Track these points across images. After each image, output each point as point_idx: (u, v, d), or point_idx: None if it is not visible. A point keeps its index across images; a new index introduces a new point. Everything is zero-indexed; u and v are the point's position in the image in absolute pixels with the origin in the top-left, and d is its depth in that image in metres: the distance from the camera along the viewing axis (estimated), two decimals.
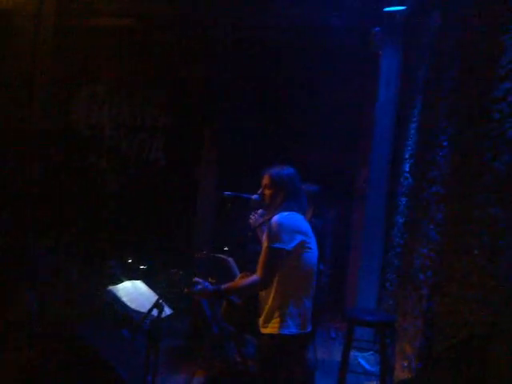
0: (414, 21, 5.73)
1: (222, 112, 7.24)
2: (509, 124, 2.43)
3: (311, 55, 7.21)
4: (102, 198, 6.60)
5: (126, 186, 6.67)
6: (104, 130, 6.75)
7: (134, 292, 3.12)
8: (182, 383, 4.21)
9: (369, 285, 5.94)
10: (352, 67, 7.10)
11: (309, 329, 2.74)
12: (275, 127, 7.69)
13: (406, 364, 4.18)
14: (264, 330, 2.69)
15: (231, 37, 6.83)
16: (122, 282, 3.22)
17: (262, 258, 2.62)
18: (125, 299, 2.98)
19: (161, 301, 2.54)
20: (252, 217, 3.10)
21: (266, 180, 2.81)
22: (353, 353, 5.42)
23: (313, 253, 2.72)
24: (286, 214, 2.66)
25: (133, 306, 2.96)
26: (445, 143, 3.65)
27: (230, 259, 3.61)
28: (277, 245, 2.56)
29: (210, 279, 4.25)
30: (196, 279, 2.64)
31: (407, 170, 5.15)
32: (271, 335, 2.64)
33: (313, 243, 2.73)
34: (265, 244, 2.62)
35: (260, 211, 3.07)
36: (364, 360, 5.44)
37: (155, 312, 2.58)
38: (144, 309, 2.72)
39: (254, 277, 2.61)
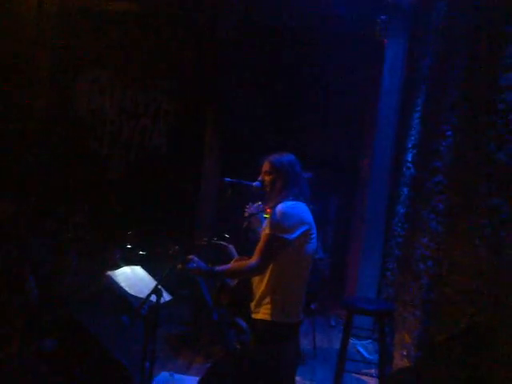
0: (420, 9, 5.68)
1: (225, 99, 7.20)
2: None
3: (316, 43, 7.17)
4: (104, 184, 6.59)
5: (128, 172, 6.65)
6: (106, 115, 6.71)
7: (132, 278, 3.11)
8: (181, 369, 4.23)
9: (369, 273, 5.97)
10: (357, 56, 7.06)
11: (300, 318, 2.73)
12: (278, 114, 7.67)
13: (404, 353, 4.20)
14: (255, 316, 2.68)
15: (237, 23, 6.79)
16: (121, 267, 3.22)
17: (260, 244, 2.60)
18: (123, 285, 2.97)
19: (159, 286, 2.53)
20: (247, 209, 3.08)
21: (265, 166, 2.79)
22: (352, 341, 5.46)
23: (313, 243, 2.71)
24: (290, 203, 2.64)
25: (131, 291, 2.95)
26: (448, 133, 3.63)
27: (231, 246, 3.61)
28: (278, 234, 2.54)
29: (209, 265, 4.28)
30: (191, 256, 2.62)
31: (410, 159, 5.14)
32: (262, 321, 2.63)
33: (315, 233, 2.73)
34: (266, 231, 2.60)
35: (255, 205, 3.05)
36: (363, 348, 5.47)
37: (154, 298, 2.55)
38: (143, 295, 2.70)
39: (250, 262, 2.60)
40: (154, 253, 4.47)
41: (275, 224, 2.57)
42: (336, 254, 7.94)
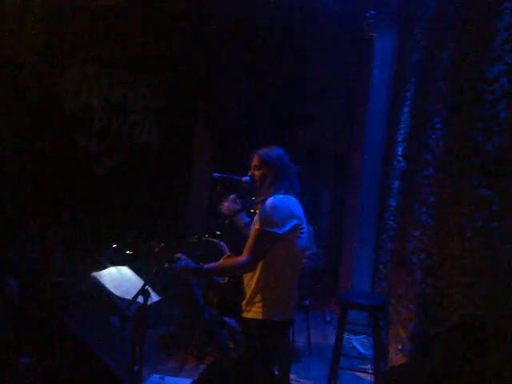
0: (408, 4, 5.67)
1: (216, 93, 7.15)
2: (502, 106, 2.40)
3: (305, 38, 7.14)
4: (92, 181, 6.50)
5: (117, 169, 6.57)
6: (94, 111, 6.62)
7: (119, 278, 3.04)
8: (172, 371, 4.19)
9: (363, 268, 5.96)
10: (346, 51, 7.05)
11: (292, 316, 2.70)
12: (270, 110, 7.64)
13: (399, 347, 4.19)
14: (246, 315, 2.64)
15: (226, 17, 6.74)
16: (107, 267, 3.16)
17: (250, 240, 2.56)
18: (109, 286, 2.90)
19: (147, 287, 2.46)
20: (225, 204, 2.98)
21: (255, 161, 2.75)
22: (347, 336, 5.46)
23: (304, 238, 2.68)
24: (280, 197, 2.60)
25: (117, 292, 2.88)
26: (437, 126, 3.62)
27: (222, 243, 3.58)
28: (269, 228, 2.50)
29: (201, 264, 4.24)
30: (178, 255, 2.57)
31: (400, 153, 5.13)
32: (254, 320, 2.59)
33: (305, 228, 2.70)
34: (256, 226, 2.56)
35: (233, 196, 2.97)
36: (358, 343, 5.47)
37: (141, 299, 2.49)
38: (129, 295, 2.60)
39: (241, 258, 2.56)
40: (140, 251, 4.42)
41: (265, 218, 2.53)
42: (329, 249, 7.95)
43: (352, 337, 5.56)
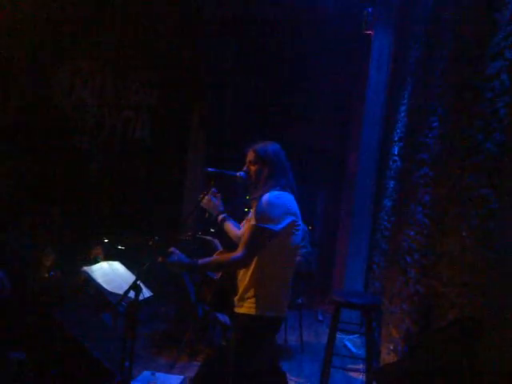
0: (406, 1, 5.64)
1: (211, 89, 7.10)
2: (502, 102, 2.37)
3: (302, 36, 7.11)
4: (85, 178, 6.44)
5: (111, 165, 6.51)
6: (87, 107, 6.57)
7: (110, 273, 2.99)
8: (164, 368, 4.14)
9: (356, 268, 5.95)
10: (343, 49, 7.03)
11: (284, 313, 2.67)
12: (265, 108, 7.60)
13: (391, 347, 4.17)
14: (239, 310, 2.60)
15: (222, 14, 6.70)
16: (98, 262, 3.10)
17: (245, 235, 2.53)
18: (100, 280, 2.85)
19: (139, 282, 2.41)
20: (206, 197, 2.86)
21: (250, 156, 2.71)
22: (339, 335, 5.42)
23: (299, 235, 2.65)
24: (276, 193, 2.56)
25: (109, 287, 2.83)
26: (435, 124, 3.60)
27: (216, 241, 3.53)
28: (264, 225, 2.47)
29: (194, 259, 4.19)
30: (171, 249, 2.52)
31: (396, 152, 5.11)
32: (246, 315, 2.55)
33: (301, 225, 2.66)
34: (251, 222, 2.52)
35: (213, 189, 2.89)
36: (350, 343, 5.44)
37: (132, 294, 2.43)
38: (121, 291, 2.56)
39: (235, 253, 2.52)
40: (133, 246, 4.37)
41: (261, 214, 2.49)
42: (324, 249, 7.92)
43: (344, 336, 5.53)
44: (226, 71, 7.29)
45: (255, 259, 2.54)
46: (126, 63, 6.51)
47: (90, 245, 4.58)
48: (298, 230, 2.61)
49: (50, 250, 4.35)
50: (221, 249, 3.54)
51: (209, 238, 3.68)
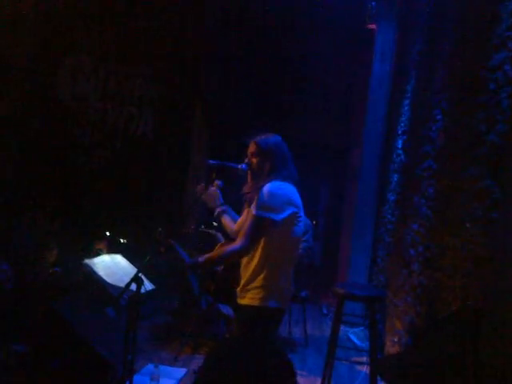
0: None
1: (213, 84, 7.10)
2: (505, 93, 2.37)
3: (305, 29, 7.09)
4: (87, 172, 6.44)
5: (114, 160, 6.50)
6: (90, 102, 6.56)
7: (112, 266, 2.99)
8: (167, 361, 4.16)
9: (360, 261, 5.95)
10: (347, 42, 7.01)
11: (287, 304, 2.67)
12: (268, 102, 7.59)
13: (396, 339, 4.17)
14: (241, 301, 2.61)
15: (224, 7, 6.68)
16: (99, 255, 3.11)
17: (246, 225, 2.53)
18: (102, 273, 2.85)
19: (140, 275, 2.41)
20: (199, 186, 2.86)
21: (252, 148, 2.70)
22: (344, 328, 5.44)
23: (301, 226, 2.65)
24: (278, 183, 2.56)
25: (110, 280, 2.83)
26: (438, 117, 3.59)
27: (219, 234, 3.54)
28: (265, 214, 2.47)
29: (194, 253, 4.21)
30: (170, 240, 2.52)
31: (400, 146, 5.10)
32: (248, 306, 2.56)
33: (303, 216, 2.66)
34: (252, 211, 2.53)
35: (219, 182, 2.89)
36: (354, 335, 5.45)
37: (134, 287, 2.44)
38: (123, 283, 2.53)
39: (235, 244, 2.53)
40: (136, 239, 4.38)
41: (262, 204, 2.49)
42: (327, 243, 7.93)
43: (348, 329, 5.54)
44: (228, 65, 7.27)
45: (258, 250, 2.55)
46: (129, 58, 6.49)
47: (93, 239, 4.59)
48: (299, 222, 2.61)
49: (53, 245, 4.37)
50: (223, 241, 3.55)
51: (211, 231, 3.69)
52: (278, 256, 2.57)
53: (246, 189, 2.75)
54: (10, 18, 6.04)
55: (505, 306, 1.85)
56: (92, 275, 2.85)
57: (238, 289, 2.65)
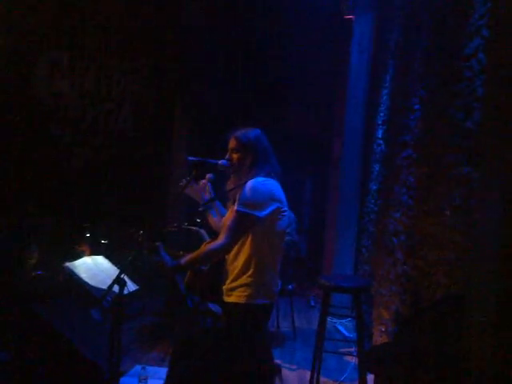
0: None
1: (194, 78, 7.04)
2: (479, 81, 2.38)
3: (283, 21, 7.07)
4: (67, 172, 6.34)
5: (93, 158, 6.42)
6: (68, 99, 6.44)
7: (94, 268, 2.95)
8: (155, 362, 4.14)
9: (345, 252, 5.97)
10: (325, 33, 7.00)
11: (274, 299, 2.66)
12: (249, 95, 7.56)
13: (383, 329, 4.20)
14: (228, 299, 2.59)
15: (203, 2, 6.63)
16: (81, 257, 3.07)
17: (228, 221, 2.51)
18: (84, 276, 2.82)
19: (123, 276, 2.38)
20: (183, 180, 2.77)
21: (232, 143, 2.67)
22: (331, 320, 5.47)
23: (285, 220, 2.64)
24: (261, 179, 2.54)
25: (92, 282, 2.79)
26: (416, 106, 3.60)
27: (202, 231, 3.51)
28: (247, 210, 2.45)
29: (181, 252, 4.18)
30: (157, 244, 2.49)
31: (380, 136, 5.12)
32: (235, 304, 2.54)
33: (287, 210, 2.65)
34: (235, 207, 2.51)
35: (209, 175, 2.85)
36: (343, 327, 5.48)
37: (116, 288, 2.42)
38: (105, 285, 2.51)
39: (217, 241, 2.50)
40: (117, 239, 4.33)
41: (245, 200, 2.47)
42: (312, 234, 7.95)
43: (336, 320, 5.57)
44: (207, 59, 7.22)
45: (244, 247, 2.53)
46: (107, 53, 6.40)
47: (74, 240, 4.53)
48: (284, 216, 2.60)
49: (34, 248, 4.30)
50: (207, 238, 3.53)
51: (195, 228, 3.67)
52: (264, 251, 2.55)
53: (229, 185, 2.73)
54: None
55: (483, 293, 1.86)
56: (74, 278, 2.80)
57: (225, 286, 2.63)
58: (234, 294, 2.56)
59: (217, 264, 2.77)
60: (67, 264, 2.89)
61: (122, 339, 2.53)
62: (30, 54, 6.32)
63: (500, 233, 1.76)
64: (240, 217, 2.47)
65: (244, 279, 2.54)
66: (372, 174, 5.37)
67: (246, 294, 2.53)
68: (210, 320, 4.66)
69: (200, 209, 2.87)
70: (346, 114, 6.13)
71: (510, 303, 1.77)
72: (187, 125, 6.98)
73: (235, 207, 2.50)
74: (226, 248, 2.52)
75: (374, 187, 5.20)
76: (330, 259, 6.34)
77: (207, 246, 2.60)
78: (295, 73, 7.53)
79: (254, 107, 7.45)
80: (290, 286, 5.02)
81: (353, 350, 4.66)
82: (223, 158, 2.70)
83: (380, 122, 5.17)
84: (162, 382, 3.66)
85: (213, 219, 2.91)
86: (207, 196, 2.90)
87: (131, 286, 2.88)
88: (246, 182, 2.53)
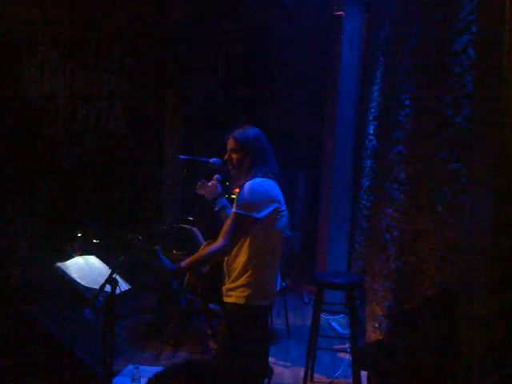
0: None
1: (185, 76, 7.00)
2: (469, 77, 2.38)
3: (275, 18, 7.08)
4: (58, 171, 6.28)
5: (84, 158, 6.36)
6: (58, 99, 6.37)
7: (86, 268, 2.93)
8: (149, 361, 4.13)
9: (338, 248, 5.99)
10: (316, 31, 7.00)
11: (273, 299, 2.66)
12: (241, 92, 7.54)
13: (376, 325, 4.22)
14: (227, 299, 2.58)
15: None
16: (72, 257, 3.04)
17: (227, 223, 2.51)
18: (75, 276, 2.79)
19: (115, 275, 2.37)
20: (208, 184, 2.83)
21: (231, 143, 2.64)
22: (325, 316, 5.47)
23: (284, 219, 2.63)
24: (259, 180, 2.53)
25: (84, 282, 2.77)
26: (407, 102, 3.61)
27: (195, 229, 3.51)
28: (245, 212, 2.44)
29: (174, 251, 4.17)
30: (156, 248, 2.49)
31: (371, 132, 5.13)
32: (235, 304, 2.53)
33: (285, 210, 2.64)
34: (233, 209, 2.49)
35: (217, 176, 2.86)
36: (336, 323, 5.49)
37: (108, 288, 2.39)
38: (97, 285, 2.47)
39: (216, 243, 2.50)
40: (111, 239, 4.30)
41: (243, 202, 2.46)
42: (306, 231, 7.95)
43: (330, 317, 5.57)
44: (199, 57, 7.20)
45: (244, 248, 2.52)
46: (96, 52, 6.34)
47: (65, 239, 4.49)
48: (282, 216, 2.59)
49: (23, 245, 4.26)
50: (200, 237, 3.53)
51: (187, 226, 3.66)
52: (264, 252, 2.55)
53: (235, 187, 2.71)
54: None
55: (474, 288, 1.87)
56: (65, 278, 2.78)
57: (224, 287, 2.62)
58: (234, 295, 2.55)
59: (216, 265, 2.77)
60: (59, 264, 2.86)
61: (115, 339, 2.53)
62: (18, 54, 6.25)
63: (491, 228, 1.76)
64: (238, 219, 2.46)
65: (243, 280, 2.53)
66: (364, 170, 5.38)
67: (245, 294, 2.52)
68: (202, 317, 4.67)
69: (216, 208, 2.87)
70: (337, 111, 6.14)
71: (502, 298, 1.78)
72: (178, 122, 6.95)
73: (233, 209, 2.50)
74: (225, 250, 2.51)
75: (367, 183, 5.21)
76: (324, 255, 6.34)
77: (206, 249, 2.59)
78: (286, 70, 7.52)
79: (246, 104, 7.44)
80: (283, 283, 5.02)
81: (347, 346, 4.67)
82: (214, 156, 2.69)
83: (371, 118, 5.18)
84: None
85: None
86: (217, 195, 2.90)
87: (123, 286, 2.87)
88: (244, 184, 2.53)
